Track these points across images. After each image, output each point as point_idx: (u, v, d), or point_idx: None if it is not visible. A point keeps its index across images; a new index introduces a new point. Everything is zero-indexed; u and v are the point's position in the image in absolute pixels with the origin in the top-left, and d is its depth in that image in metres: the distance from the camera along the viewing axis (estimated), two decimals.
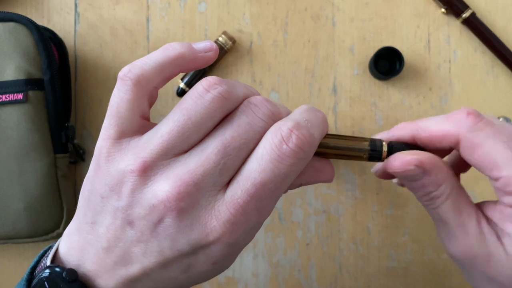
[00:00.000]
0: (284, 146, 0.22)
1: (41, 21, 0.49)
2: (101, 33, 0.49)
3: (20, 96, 0.41)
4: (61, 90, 0.44)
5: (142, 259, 0.23)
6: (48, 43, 0.43)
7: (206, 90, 0.23)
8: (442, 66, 0.48)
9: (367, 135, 0.48)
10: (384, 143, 0.27)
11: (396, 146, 0.27)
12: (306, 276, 0.48)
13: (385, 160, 0.27)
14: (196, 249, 0.23)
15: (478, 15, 0.47)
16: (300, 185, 0.27)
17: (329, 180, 0.27)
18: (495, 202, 0.26)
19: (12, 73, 0.41)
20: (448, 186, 0.25)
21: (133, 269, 0.23)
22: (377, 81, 0.48)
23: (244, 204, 0.22)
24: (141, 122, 0.25)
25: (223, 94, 0.23)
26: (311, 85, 0.49)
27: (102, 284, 0.23)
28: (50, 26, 0.49)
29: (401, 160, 0.25)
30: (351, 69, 0.48)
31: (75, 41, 0.49)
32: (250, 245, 0.48)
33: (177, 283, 0.24)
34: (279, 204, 0.48)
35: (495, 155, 0.24)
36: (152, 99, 0.26)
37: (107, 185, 0.23)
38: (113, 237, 0.23)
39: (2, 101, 0.41)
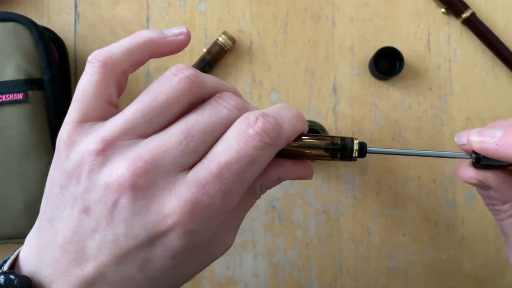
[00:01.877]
0: (250, 130, 0.22)
1: (41, 21, 0.49)
2: (101, 33, 0.49)
3: (20, 96, 0.41)
4: (61, 90, 0.44)
5: (97, 253, 0.21)
6: (48, 43, 0.43)
7: (174, 74, 0.23)
8: (442, 66, 0.48)
9: (367, 135, 0.48)
10: (355, 141, 0.26)
11: (365, 147, 0.26)
12: (306, 276, 0.48)
13: (456, 166, 0.27)
14: (153, 238, 0.21)
15: (478, 15, 0.47)
16: (278, 180, 0.26)
17: (307, 177, 0.27)
18: None
19: (12, 73, 0.41)
20: None
21: (88, 268, 0.21)
22: (377, 81, 0.48)
23: (206, 184, 0.21)
24: (107, 108, 0.24)
25: (189, 77, 0.23)
26: (311, 85, 0.48)
27: None
28: (50, 26, 0.49)
29: (464, 173, 0.27)
30: (351, 69, 0.48)
31: (75, 41, 0.49)
32: (250, 245, 0.48)
33: (136, 284, 0.22)
34: (279, 204, 0.48)
35: None
36: (121, 86, 0.25)
37: (66, 172, 0.22)
38: (69, 231, 0.22)
39: (2, 101, 0.41)
